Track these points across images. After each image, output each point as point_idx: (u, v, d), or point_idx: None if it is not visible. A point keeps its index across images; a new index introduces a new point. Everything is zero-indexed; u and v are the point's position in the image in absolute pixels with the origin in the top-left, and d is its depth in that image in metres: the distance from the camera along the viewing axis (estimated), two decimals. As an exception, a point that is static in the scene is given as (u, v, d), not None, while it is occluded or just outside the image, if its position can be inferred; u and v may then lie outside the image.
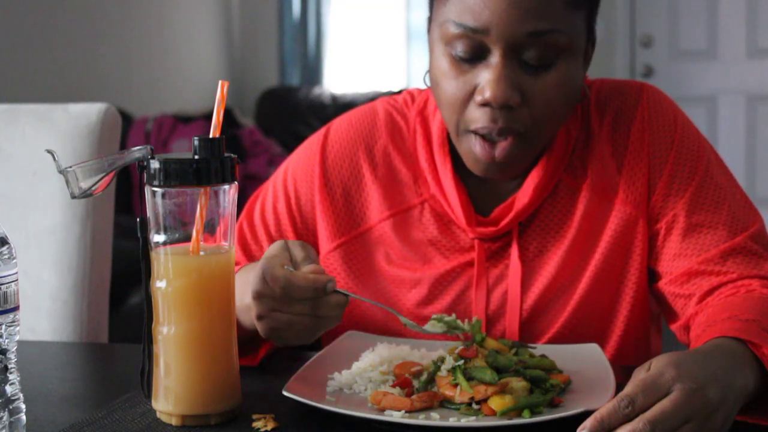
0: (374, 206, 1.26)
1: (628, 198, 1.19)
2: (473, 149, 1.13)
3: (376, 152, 1.28)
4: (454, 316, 1.07)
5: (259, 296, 1.00)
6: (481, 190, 1.23)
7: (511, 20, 1.07)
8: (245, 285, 1.04)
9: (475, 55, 1.10)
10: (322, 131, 1.32)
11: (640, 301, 1.20)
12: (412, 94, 1.31)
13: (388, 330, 1.24)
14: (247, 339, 1.13)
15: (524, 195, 1.19)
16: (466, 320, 1.09)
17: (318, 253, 1.28)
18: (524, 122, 1.11)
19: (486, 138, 1.12)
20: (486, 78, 1.09)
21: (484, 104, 1.10)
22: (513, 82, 1.09)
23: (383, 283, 1.25)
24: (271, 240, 1.29)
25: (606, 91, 1.24)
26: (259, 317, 1.01)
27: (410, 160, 1.27)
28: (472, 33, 1.08)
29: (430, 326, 1.06)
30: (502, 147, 1.12)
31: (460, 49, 1.10)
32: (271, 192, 1.31)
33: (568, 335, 1.19)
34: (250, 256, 1.28)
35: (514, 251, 1.20)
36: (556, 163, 1.20)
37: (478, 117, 1.11)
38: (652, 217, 1.19)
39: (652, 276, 1.22)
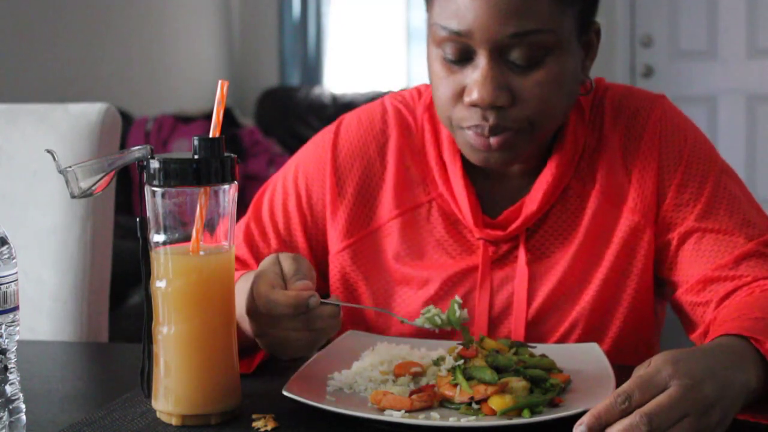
0: (384, 205, 1.26)
1: (636, 206, 1.19)
2: (468, 140, 1.13)
3: (387, 150, 1.27)
4: (438, 311, 1.04)
5: (250, 313, 1.00)
6: (489, 190, 1.23)
7: (493, 22, 1.06)
8: (241, 293, 1.03)
9: (463, 57, 1.11)
10: (331, 129, 1.31)
11: (637, 308, 1.20)
12: (419, 90, 1.31)
13: (390, 330, 1.24)
14: (245, 346, 1.13)
15: (533, 201, 1.19)
16: (452, 311, 1.04)
17: (328, 253, 1.28)
18: (517, 120, 1.11)
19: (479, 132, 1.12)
20: (473, 79, 1.10)
21: (473, 105, 1.10)
22: (500, 83, 1.09)
23: (391, 281, 1.25)
24: (280, 238, 1.28)
25: (621, 96, 1.23)
26: (257, 335, 1.02)
27: (419, 158, 1.26)
28: (456, 36, 1.09)
29: (422, 321, 1.05)
30: (496, 139, 1.12)
31: (448, 51, 1.11)
32: (281, 189, 1.30)
33: (571, 339, 1.20)
34: (257, 254, 1.27)
35: (522, 255, 1.20)
36: (564, 167, 1.19)
37: (468, 116, 1.12)
38: (662, 227, 1.19)
39: (662, 285, 1.21)
